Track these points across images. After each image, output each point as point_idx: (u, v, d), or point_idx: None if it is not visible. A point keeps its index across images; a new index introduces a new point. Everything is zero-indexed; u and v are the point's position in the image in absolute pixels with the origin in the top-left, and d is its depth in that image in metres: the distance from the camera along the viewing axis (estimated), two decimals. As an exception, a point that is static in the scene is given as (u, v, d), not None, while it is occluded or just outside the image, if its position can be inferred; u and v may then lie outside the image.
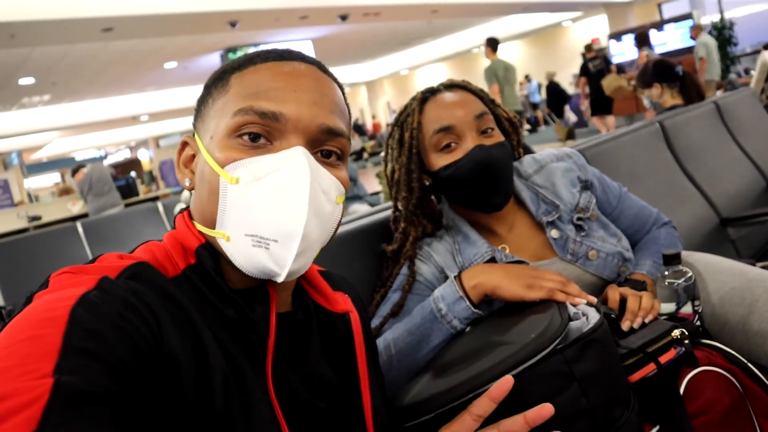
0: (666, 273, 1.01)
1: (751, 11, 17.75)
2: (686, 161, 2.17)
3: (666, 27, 11.01)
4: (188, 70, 12.28)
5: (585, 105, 8.30)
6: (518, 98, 6.62)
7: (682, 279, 0.99)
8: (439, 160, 1.05)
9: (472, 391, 0.69)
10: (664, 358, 0.82)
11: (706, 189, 2.13)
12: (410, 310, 1.00)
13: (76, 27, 6.64)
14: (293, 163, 0.56)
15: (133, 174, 10.65)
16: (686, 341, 0.85)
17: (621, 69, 8.56)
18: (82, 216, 6.77)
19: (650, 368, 0.81)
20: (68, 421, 0.38)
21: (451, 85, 1.09)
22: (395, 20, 11.25)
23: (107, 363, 0.43)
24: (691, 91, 2.77)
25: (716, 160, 2.33)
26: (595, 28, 15.55)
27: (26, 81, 9.95)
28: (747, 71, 10.30)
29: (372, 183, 7.08)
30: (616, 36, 11.33)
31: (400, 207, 1.11)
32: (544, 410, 0.62)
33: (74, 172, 6.88)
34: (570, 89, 12.76)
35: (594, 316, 0.80)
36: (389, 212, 1.17)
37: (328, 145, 0.60)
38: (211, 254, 0.58)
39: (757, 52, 10.32)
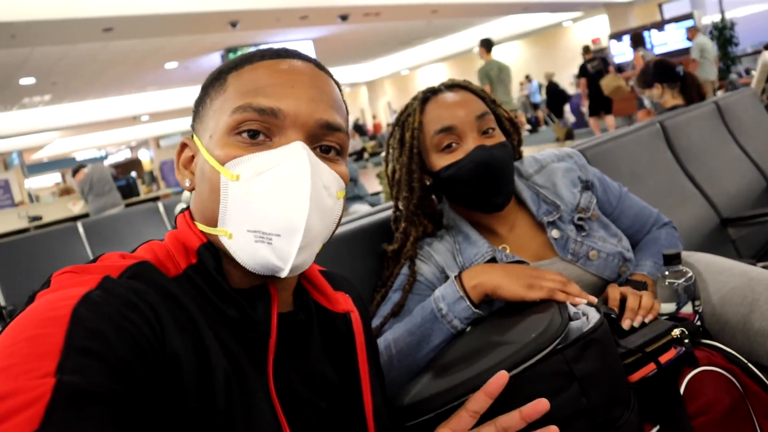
0: (666, 273, 1.01)
1: (752, 11, 17.74)
2: (687, 161, 2.17)
3: (667, 27, 11.02)
4: (189, 70, 12.28)
5: (586, 105, 8.32)
6: (512, 98, 6.65)
7: (683, 279, 0.99)
8: (440, 161, 1.05)
9: (472, 391, 0.69)
10: (664, 358, 0.82)
11: (707, 189, 2.13)
12: (411, 310, 1.00)
13: (76, 27, 6.65)
14: (293, 158, 0.56)
15: (133, 174, 10.68)
16: (686, 341, 0.85)
17: (621, 69, 8.57)
18: (83, 216, 6.76)
19: (650, 368, 0.81)
20: (70, 421, 0.38)
21: (452, 85, 1.09)
22: (395, 20, 11.25)
23: (109, 363, 0.43)
24: (691, 91, 2.76)
25: (717, 161, 2.33)
26: (595, 29, 15.55)
27: (27, 81, 9.95)
28: (748, 71, 10.31)
29: (372, 183, 7.07)
30: (617, 36, 11.33)
31: (400, 207, 1.11)
32: (540, 405, 0.62)
33: (75, 172, 6.88)
34: (570, 89, 12.76)
35: (594, 316, 0.80)
36: (390, 212, 1.17)
37: (327, 141, 0.61)
38: (212, 253, 0.58)
39: (757, 53, 10.30)
